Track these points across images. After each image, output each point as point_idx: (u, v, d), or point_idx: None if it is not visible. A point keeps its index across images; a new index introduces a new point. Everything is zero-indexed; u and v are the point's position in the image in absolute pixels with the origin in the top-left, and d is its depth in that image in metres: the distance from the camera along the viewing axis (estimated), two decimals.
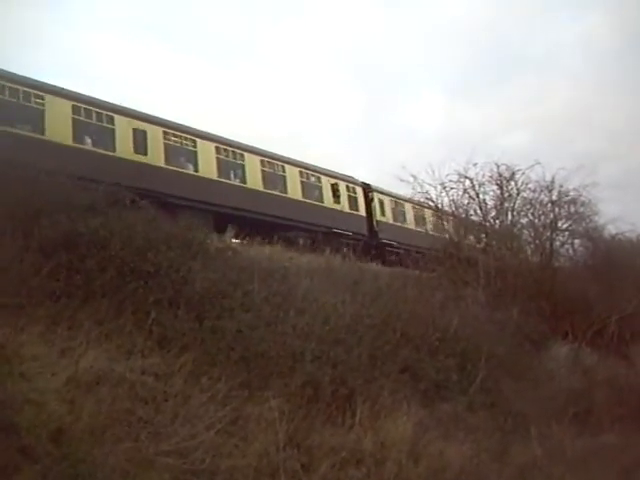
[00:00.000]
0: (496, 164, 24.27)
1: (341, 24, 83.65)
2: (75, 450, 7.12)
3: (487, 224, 24.91)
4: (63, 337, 9.18)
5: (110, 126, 21.89)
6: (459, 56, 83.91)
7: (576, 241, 25.55)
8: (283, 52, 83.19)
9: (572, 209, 24.42)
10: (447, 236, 25.62)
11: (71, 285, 10.23)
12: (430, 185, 25.40)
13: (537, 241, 24.25)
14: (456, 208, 25.32)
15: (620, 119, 76.88)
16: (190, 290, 11.22)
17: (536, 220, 24.49)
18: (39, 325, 9.18)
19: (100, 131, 21.68)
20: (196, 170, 24.29)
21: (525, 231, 25.11)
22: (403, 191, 28.96)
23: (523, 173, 24.33)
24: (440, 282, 20.22)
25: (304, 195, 28.59)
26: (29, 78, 20.11)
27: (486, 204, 24.90)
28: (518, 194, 24.51)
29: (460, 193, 25.03)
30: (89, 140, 21.27)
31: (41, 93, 20.04)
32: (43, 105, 20.03)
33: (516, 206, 24.54)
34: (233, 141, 26.45)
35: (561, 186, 23.94)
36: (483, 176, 24.47)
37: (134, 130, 22.44)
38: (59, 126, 20.27)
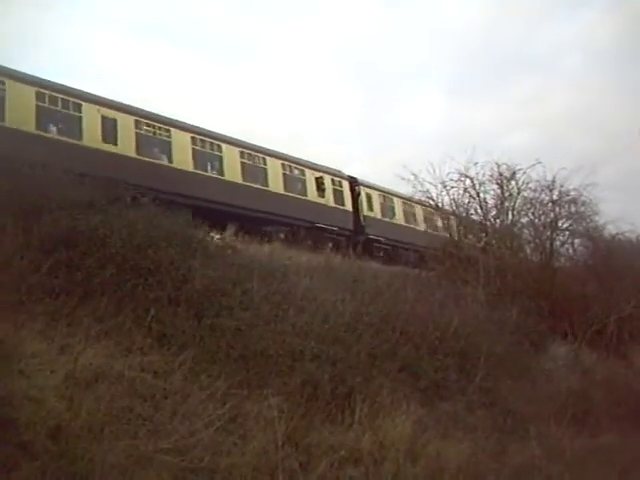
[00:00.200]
0: (497, 163, 24.26)
1: (341, 23, 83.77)
2: (74, 447, 7.12)
3: (487, 223, 24.90)
4: (62, 334, 9.17)
5: (77, 114, 21.28)
6: (458, 55, 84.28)
7: (576, 241, 25.54)
8: (283, 51, 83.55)
9: (572, 209, 24.41)
10: (447, 235, 25.63)
11: (71, 282, 10.24)
12: (431, 184, 25.38)
13: (537, 240, 24.25)
14: (456, 207, 25.31)
15: (620, 119, 76.95)
16: (190, 288, 11.23)
17: (536, 219, 24.49)
18: (38, 322, 9.19)
19: (66, 119, 21.11)
20: (170, 161, 23.69)
21: (525, 230, 25.11)
22: (404, 190, 28.84)
23: (524, 172, 24.32)
24: (440, 281, 20.21)
25: (286, 188, 28.07)
26: None
27: (486, 203, 24.89)
28: (519, 193, 24.51)
29: (461, 192, 25.03)
30: (54, 128, 20.74)
31: (1, 78, 19.52)
32: (4, 90, 19.54)
33: (516, 205, 24.54)
34: (211, 131, 25.95)
35: (562, 186, 23.94)
36: (484, 175, 24.46)
37: (103, 118, 21.81)
38: (21, 113, 19.69)
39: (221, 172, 25.52)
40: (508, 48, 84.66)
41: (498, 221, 24.77)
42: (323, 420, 10.05)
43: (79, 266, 10.53)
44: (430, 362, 13.13)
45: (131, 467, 7.37)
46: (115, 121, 22.16)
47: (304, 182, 29.30)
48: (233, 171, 25.85)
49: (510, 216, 24.60)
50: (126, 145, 22.27)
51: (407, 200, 33.29)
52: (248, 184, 26.23)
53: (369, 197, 32.82)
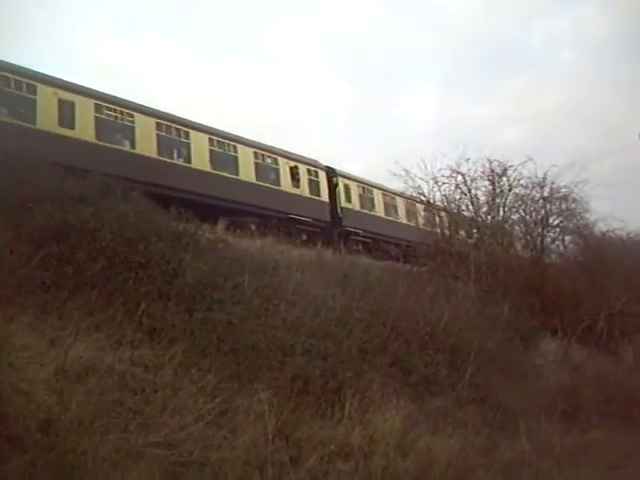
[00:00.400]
0: (488, 160, 24.41)
1: (333, 19, 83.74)
2: (64, 440, 7.10)
3: (479, 219, 24.99)
4: (53, 327, 9.15)
5: (31, 96, 20.37)
6: (451, 51, 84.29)
7: (567, 238, 25.71)
8: (278, 47, 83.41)
9: (563, 206, 24.56)
10: (432, 228, 25.72)
11: (61, 275, 10.20)
12: (422, 180, 25.43)
13: (528, 237, 24.39)
14: (448, 203, 25.36)
15: (614, 115, 77.28)
16: (180, 282, 11.20)
17: (527, 216, 24.64)
18: (29, 315, 9.16)
19: (19, 101, 20.20)
20: (133, 147, 22.89)
21: (516, 227, 25.28)
22: (395, 185, 28.81)
23: (515, 169, 24.52)
24: (431, 277, 20.25)
25: (258, 177, 27.29)
26: None
27: (478, 199, 25.06)
28: (510, 190, 24.67)
29: (452, 188, 25.12)
30: (4, 110, 19.80)
31: None
32: None
33: (508, 202, 24.70)
34: (177, 117, 25.09)
35: (553, 183, 24.14)
36: (475, 172, 24.61)
37: (60, 101, 20.96)
38: None
39: (188, 159, 24.76)
40: (501, 43, 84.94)
41: (489, 217, 24.89)
42: (313, 414, 10.05)
43: (70, 259, 10.48)
44: (420, 357, 13.14)
45: (121, 460, 7.36)
46: (73, 104, 21.31)
47: (277, 171, 28.52)
48: (201, 158, 25.12)
49: (501, 212, 24.75)
50: (85, 130, 21.41)
51: (388, 192, 33.08)
52: (217, 172, 25.56)
53: (347, 188, 32.08)
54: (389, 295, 14.99)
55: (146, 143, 23.28)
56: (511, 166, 24.44)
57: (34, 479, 6.61)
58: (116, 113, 22.72)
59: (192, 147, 24.96)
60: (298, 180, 29.14)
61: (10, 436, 6.90)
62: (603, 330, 20.47)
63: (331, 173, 31.61)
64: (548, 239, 24.57)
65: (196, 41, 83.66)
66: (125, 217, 11.87)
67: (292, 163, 29.18)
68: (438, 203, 25.85)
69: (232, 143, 26.67)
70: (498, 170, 24.49)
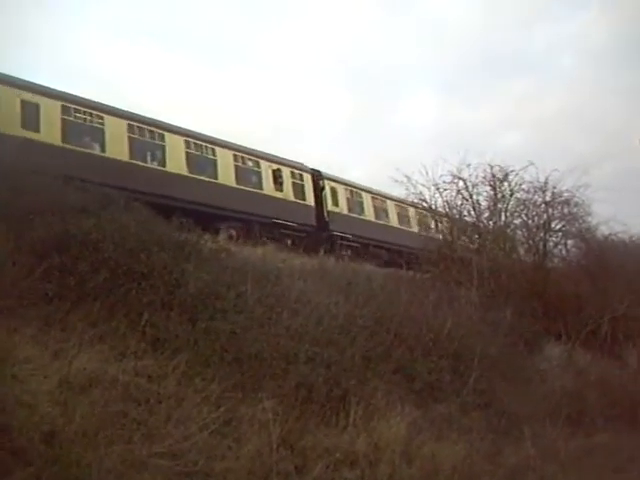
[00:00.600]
0: (489, 165, 24.35)
1: (333, 25, 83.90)
2: (68, 452, 7.08)
3: (481, 225, 24.96)
4: (56, 339, 9.15)
5: None
6: (452, 56, 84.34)
7: (569, 242, 25.61)
8: (277, 54, 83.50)
9: (565, 210, 24.48)
10: (429, 234, 25.71)
11: (64, 287, 10.20)
12: (424, 186, 25.41)
13: (530, 241, 24.31)
14: (450, 209, 25.35)
15: (614, 120, 77.25)
16: (183, 291, 11.20)
17: (529, 221, 24.56)
18: (32, 327, 9.16)
19: None
20: (103, 150, 22.23)
21: (518, 232, 25.16)
22: (397, 192, 28.72)
23: (517, 174, 24.41)
24: (434, 283, 20.24)
25: (238, 181, 26.67)
26: None
27: (479, 205, 24.97)
28: (511, 195, 24.58)
29: (454, 194, 25.09)
30: None
31: None
32: None
33: (509, 207, 24.62)
34: (152, 119, 24.53)
35: (554, 187, 24.03)
36: (476, 177, 24.55)
37: (23, 102, 20.27)
38: None
39: (163, 163, 24.17)
40: (502, 48, 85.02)
41: (491, 222, 24.83)
42: (318, 423, 10.03)
43: (72, 271, 10.48)
44: (424, 364, 13.12)
45: (126, 472, 7.34)
46: (37, 106, 20.65)
47: (259, 175, 27.93)
48: (177, 162, 24.50)
49: (503, 217, 24.68)
50: (50, 133, 20.75)
51: (378, 195, 32.76)
52: (194, 176, 24.86)
53: (334, 191, 31.48)
54: (392, 302, 14.96)
55: (117, 146, 22.72)
56: (512, 171, 24.39)
57: None
58: (85, 115, 22.18)
59: (167, 150, 24.42)
60: (281, 183, 28.69)
61: (14, 448, 6.88)
62: (607, 334, 20.40)
63: (317, 176, 31.10)
64: (550, 243, 24.48)
65: (195, 47, 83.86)
66: (127, 228, 11.88)
67: (275, 166, 28.68)
68: (440, 209, 25.82)
69: (210, 146, 26.16)
70: (499, 175, 24.44)
